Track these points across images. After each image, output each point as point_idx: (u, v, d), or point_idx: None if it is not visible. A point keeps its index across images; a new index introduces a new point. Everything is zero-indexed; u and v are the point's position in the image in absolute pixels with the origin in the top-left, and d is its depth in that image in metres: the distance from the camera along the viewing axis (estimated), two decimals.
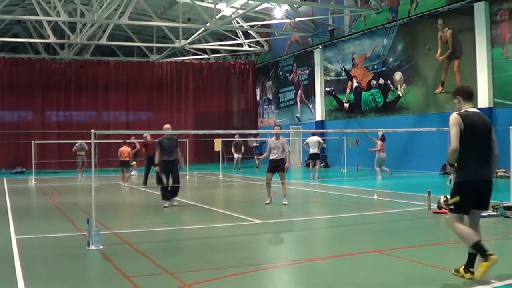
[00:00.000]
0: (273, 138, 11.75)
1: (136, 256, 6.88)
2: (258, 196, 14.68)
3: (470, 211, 5.48)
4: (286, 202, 11.66)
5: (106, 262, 6.57)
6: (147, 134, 17.32)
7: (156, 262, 6.38)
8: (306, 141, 20.07)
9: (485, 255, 5.18)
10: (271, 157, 11.80)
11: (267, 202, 11.95)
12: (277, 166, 11.75)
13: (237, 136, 25.95)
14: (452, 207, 5.46)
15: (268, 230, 9.21)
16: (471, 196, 5.39)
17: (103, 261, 6.66)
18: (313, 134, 20.16)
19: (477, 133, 5.41)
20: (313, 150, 19.67)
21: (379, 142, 19.13)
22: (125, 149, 18.19)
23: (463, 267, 5.43)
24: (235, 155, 27.01)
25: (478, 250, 5.27)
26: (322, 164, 27.09)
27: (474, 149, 5.39)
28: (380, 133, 19.07)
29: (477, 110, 5.57)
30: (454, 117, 5.45)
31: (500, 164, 15.20)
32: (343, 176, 20.33)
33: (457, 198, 5.41)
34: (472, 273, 5.35)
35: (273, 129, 12.05)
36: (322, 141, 20.07)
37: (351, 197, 14.11)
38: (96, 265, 6.62)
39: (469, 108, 5.53)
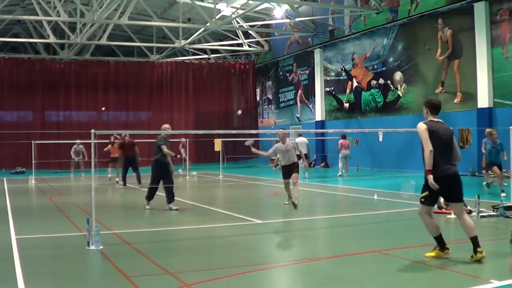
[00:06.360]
0: (279, 143, 11.44)
1: (136, 256, 6.88)
2: (258, 196, 14.70)
3: (436, 202, 6.65)
4: (297, 202, 11.06)
5: (106, 262, 6.57)
6: (126, 133, 17.49)
7: (156, 262, 6.38)
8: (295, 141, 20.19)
9: (443, 248, 6.29)
10: (282, 163, 11.56)
11: (286, 202, 11.71)
12: (292, 170, 11.40)
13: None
14: (422, 199, 6.44)
15: (268, 230, 9.21)
16: (437, 191, 6.29)
17: (103, 261, 6.66)
18: (300, 135, 20.31)
19: (440, 138, 6.39)
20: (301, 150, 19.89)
21: (340, 141, 20.05)
22: (113, 147, 19.61)
23: (438, 248, 6.32)
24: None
25: (438, 242, 6.31)
26: (322, 164, 27.28)
27: (437, 152, 6.32)
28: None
29: (440, 120, 6.62)
30: (420, 125, 6.54)
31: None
32: (343, 176, 20.31)
33: (426, 193, 6.40)
34: (447, 248, 6.32)
35: (277, 135, 11.59)
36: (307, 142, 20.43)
37: (351, 197, 14.11)
38: (96, 265, 6.62)
39: (433, 118, 6.61)
